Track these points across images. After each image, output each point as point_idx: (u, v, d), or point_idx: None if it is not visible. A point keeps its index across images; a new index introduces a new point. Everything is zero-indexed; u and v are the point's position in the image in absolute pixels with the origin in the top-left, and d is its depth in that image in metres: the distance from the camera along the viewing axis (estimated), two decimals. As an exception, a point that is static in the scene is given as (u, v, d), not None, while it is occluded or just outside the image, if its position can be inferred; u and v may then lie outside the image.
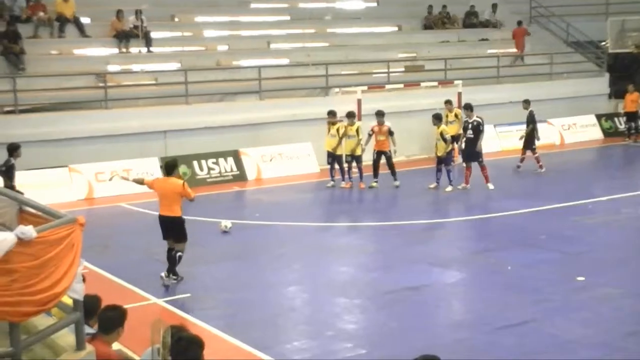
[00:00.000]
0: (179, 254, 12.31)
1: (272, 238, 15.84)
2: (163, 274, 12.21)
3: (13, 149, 16.30)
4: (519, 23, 31.30)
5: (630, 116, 28.36)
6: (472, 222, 16.94)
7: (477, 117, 20.21)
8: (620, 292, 11.75)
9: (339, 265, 13.76)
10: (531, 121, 22.28)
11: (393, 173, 20.39)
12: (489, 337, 10.09)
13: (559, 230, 15.62)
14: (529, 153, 22.39)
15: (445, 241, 15.59)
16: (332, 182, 20.73)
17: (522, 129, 22.81)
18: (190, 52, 25.92)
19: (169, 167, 12.51)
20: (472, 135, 19.88)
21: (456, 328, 10.66)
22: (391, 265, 13.57)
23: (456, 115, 22.54)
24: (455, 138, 21.37)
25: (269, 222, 16.86)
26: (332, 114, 20.65)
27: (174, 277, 12.27)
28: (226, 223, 16.06)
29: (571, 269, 12.86)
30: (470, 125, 20.00)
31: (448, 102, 22.92)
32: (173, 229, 12.32)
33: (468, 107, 20.73)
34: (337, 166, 20.71)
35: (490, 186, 19.75)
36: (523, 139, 22.44)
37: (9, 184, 15.39)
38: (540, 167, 22.22)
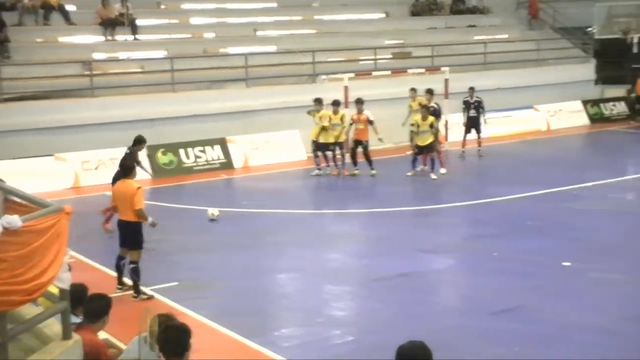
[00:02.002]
0: (132, 266, 11.25)
1: (262, 226, 15.78)
2: (133, 296, 11.35)
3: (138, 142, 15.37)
4: None
5: None
6: (462, 208, 16.91)
7: (434, 102, 21.04)
8: (613, 277, 11.76)
9: (330, 253, 13.73)
10: (481, 107, 22.81)
11: (369, 163, 20.38)
12: (482, 323, 10.07)
13: (548, 216, 15.65)
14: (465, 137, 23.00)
15: (436, 228, 15.58)
16: (317, 171, 20.66)
17: (510, 115, 22.91)
18: (177, 39, 25.79)
19: (125, 168, 11.69)
20: None
21: (449, 314, 10.64)
22: (382, 252, 13.55)
23: (420, 104, 22.60)
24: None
25: (257, 210, 16.80)
26: (318, 101, 20.56)
27: (143, 295, 11.29)
28: (213, 211, 15.99)
29: (563, 254, 12.84)
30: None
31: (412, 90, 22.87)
32: (127, 234, 11.42)
33: (428, 92, 21.57)
34: (322, 153, 20.65)
35: (433, 176, 19.70)
36: (466, 125, 22.95)
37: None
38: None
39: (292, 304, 11.35)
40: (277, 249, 13.95)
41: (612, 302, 10.68)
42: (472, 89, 22.89)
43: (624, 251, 13.27)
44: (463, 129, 22.82)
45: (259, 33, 27.27)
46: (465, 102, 22.80)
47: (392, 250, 13.58)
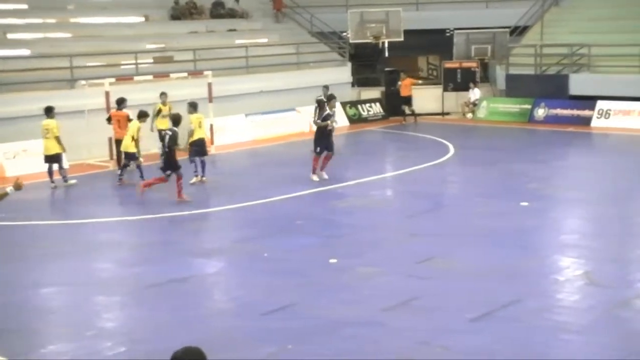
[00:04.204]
0: None
1: (22, 239, 14.94)
2: None
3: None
4: None
5: (406, 100, 30.50)
6: (231, 211, 16.96)
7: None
8: (376, 271, 12.27)
9: (98, 262, 13.24)
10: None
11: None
12: (255, 322, 10.14)
13: (316, 215, 16.11)
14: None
15: (206, 232, 15.54)
16: (54, 184, 19.64)
17: (275, 117, 23.46)
18: None
19: None
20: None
21: (222, 317, 10.63)
22: (152, 259, 13.28)
23: (170, 109, 22.55)
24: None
25: (17, 223, 15.86)
26: (48, 110, 19.53)
27: None
28: None
29: (330, 251, 13.24)
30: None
31: (163, 94, 22.70)
32: None
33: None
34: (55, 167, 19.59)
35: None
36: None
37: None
38: None
39: (59, 318, 10.83)
40: (40, 262, 13.24)
41: (374, 295, 11.15)
42: (326, 87, 23.84)
43: (385, 245, 13.94)
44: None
45: (9, 36, 25.81)
46: (319, 101, 22.66)
47: (162, 257, 13.36)
